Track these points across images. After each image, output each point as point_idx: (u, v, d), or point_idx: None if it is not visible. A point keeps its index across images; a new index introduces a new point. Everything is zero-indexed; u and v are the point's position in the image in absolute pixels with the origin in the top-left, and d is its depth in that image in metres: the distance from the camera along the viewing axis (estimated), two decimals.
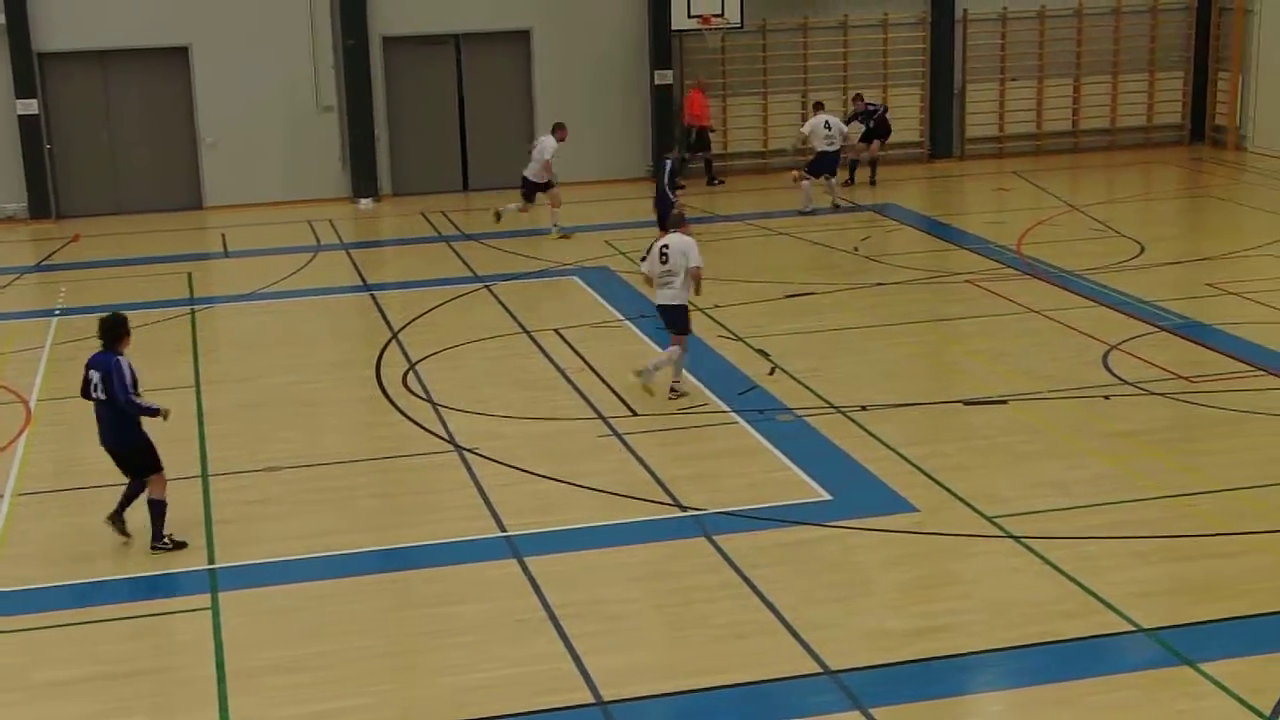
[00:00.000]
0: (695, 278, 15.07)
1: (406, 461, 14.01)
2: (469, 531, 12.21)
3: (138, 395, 11.86)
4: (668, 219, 17.45)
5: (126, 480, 12.14)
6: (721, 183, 27.63)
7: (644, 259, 15.73)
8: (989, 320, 18.00)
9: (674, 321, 15.34)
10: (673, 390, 15.19)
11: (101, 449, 12.10)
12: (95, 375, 11.82)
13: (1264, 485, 12.63)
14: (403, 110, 27.33)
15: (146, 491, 12.03)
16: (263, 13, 26.29)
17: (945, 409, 14.95)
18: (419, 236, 24.32)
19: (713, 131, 27.67)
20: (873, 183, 26.84)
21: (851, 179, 26.91)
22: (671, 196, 20.76)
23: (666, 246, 15.11)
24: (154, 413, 11.87)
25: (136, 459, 11.99)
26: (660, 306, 15.42)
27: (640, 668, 9.92)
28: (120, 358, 11.83)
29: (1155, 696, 9.37)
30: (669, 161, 21.33)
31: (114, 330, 11.94)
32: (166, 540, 11.99)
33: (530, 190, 23.36)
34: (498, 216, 23.40)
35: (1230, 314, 17.80)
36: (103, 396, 11.79)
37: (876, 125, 27.08)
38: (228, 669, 10.06)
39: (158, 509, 12.00)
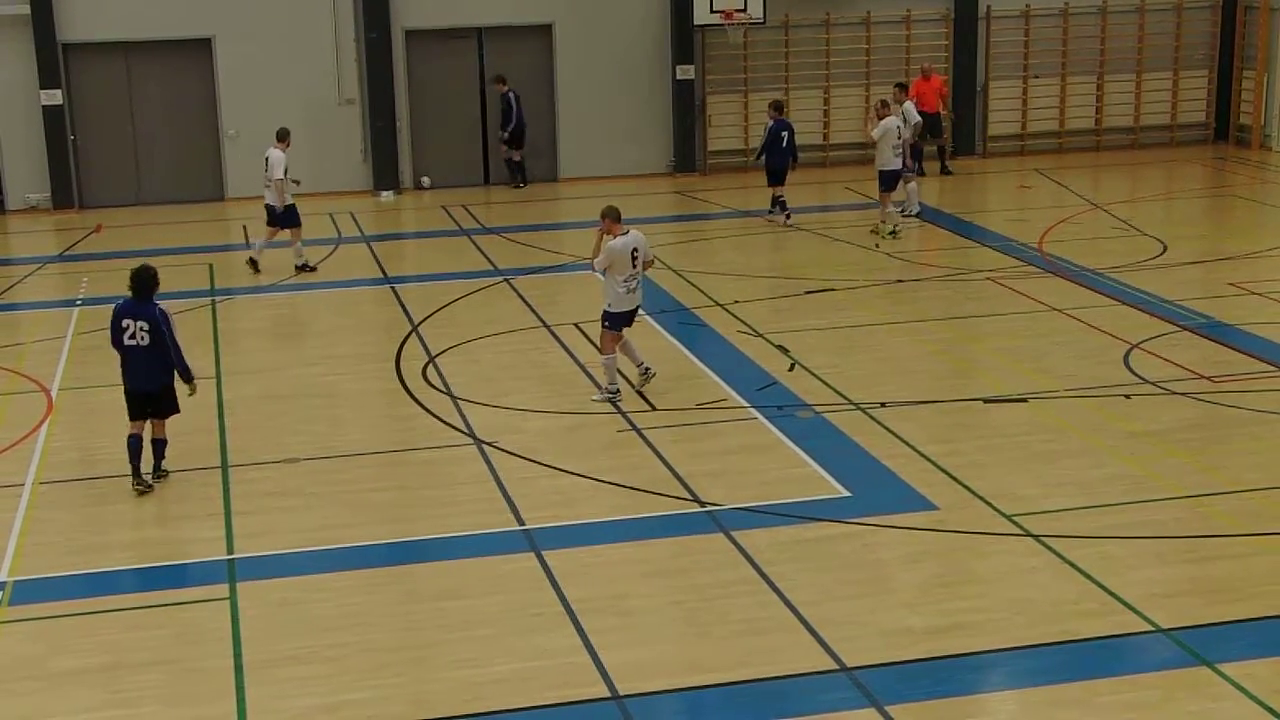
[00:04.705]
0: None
1: (425, 454, 14.02)
2: (487, 525, 12.22)
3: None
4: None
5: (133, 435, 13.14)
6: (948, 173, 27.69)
7: None
8: (1010, 318, 17.95)
9: None
10: None
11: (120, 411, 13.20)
12: (138, 324, 12.82)
13: None
14: (424, 104, 27.35)
15: (154, 432, 13.19)
16: (286, 5, 26.35)
17: (965, 407, 14.91)
18: (439, 230, 24.35)
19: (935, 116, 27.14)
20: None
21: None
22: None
23: None
24: (189, 374, 13.06)
25: (168, 399, 13.12)
26: None
27: (656, 663, 9.91)
28: (162, 307, 12.97)
29: (1172, 697, 9.33)
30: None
31: (153, 281, 13.03)
32: (165, 471, 13.32)
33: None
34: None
35: (1252, 314, 17.71)
36: (146, 342, 12.79)
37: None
38: (244, 659, 10.09)
39: (165, 446, 13.32)
